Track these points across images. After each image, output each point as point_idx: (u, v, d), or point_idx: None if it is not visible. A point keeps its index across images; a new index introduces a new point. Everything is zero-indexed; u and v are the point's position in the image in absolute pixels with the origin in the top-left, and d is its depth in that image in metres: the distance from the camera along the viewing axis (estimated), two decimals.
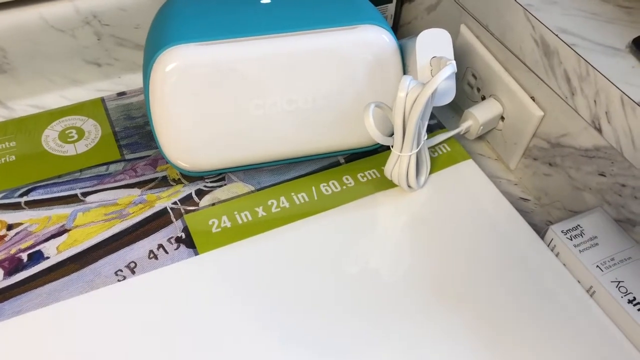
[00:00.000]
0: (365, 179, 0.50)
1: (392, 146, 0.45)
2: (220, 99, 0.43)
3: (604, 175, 0.45)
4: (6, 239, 0.44)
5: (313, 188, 0.49)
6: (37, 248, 0.44)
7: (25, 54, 0.55)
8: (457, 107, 0.60)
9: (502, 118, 0.53)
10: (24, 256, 0.43)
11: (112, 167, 0.49)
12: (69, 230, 0.45)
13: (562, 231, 0.44)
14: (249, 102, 0.44)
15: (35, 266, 0.43)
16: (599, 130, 0.42)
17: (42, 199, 0.47)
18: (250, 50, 0.42)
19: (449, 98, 0.47)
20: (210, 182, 0.49)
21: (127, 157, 0.50)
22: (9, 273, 0.42)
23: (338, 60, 0.44)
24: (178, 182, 0.49)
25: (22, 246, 0.44)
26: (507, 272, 0.44)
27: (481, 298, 0.42)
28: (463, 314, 0.41)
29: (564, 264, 0.44)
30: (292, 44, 0.43)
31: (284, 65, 0.43)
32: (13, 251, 0.43)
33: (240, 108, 0.44)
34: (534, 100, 0.49)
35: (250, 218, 0.46)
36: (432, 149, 0.53)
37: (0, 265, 0.42)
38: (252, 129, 0.45)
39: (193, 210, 0.47)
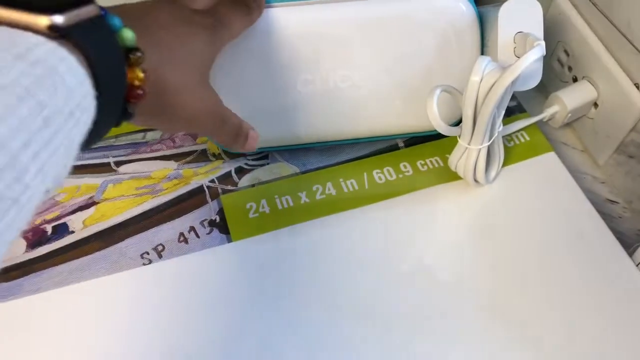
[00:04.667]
0: (425, 167, 0.44)
1: (459, 136, 0.39)
2: (265, 72, 0.39)
3: None
4: None
5: (365, 174, 0.44)
6: (62, 220, 0.41)
7: None
8: (542, 87, 0.52)
9: (595, 104, 0.46)
10: (49, 228, 0.41)
11: (150, 135, 0.46)
12: (97, 203, 0.42)
13: None
14: (297, 76, 0.40)
15: (59, 240, 0.40)
16: None
17: (73, 165, 0.44)
18: (305, 17, 0.38)
19: (533, 82, 0.40)
20: (252, 159, 0.44)
21: None
22: (32, 245, 0.40)
23: (405, 29, 0.40)
24: (218, 157, 0.44)
25: (48, 217, 0.41)
26: (585, 289, 0.38)
27: (551, 317, 0.37)
28: (528, 332, 0.37)
29: None
30: (354, 10, 0.39)
31: (343, 34, 0.39)
32: (38, 222, 0.41)
33: (287, 83, 0.40)
34: (638, 88, 0.41)
35: (291, 204, 0.42)
36: (508, 137, 0.46)
37: (24, 235, 0.40)
38: (299, 106, 0.41)
39: (231, 191, 0.42)
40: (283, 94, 0.40)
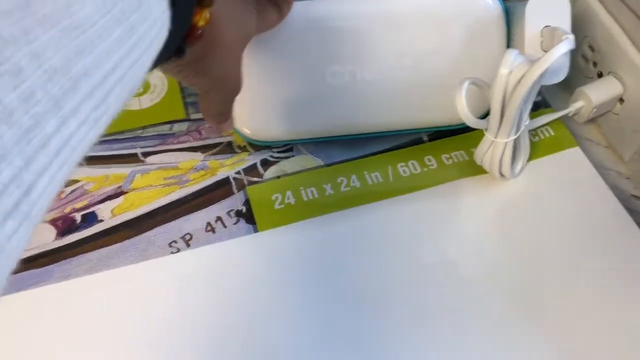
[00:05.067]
0: (450, 161, 0.44)
1: (486, 129, 0.39)
2: (294, 65, 0.39)
3: None
4: (62, 196, 0.42)
5: (389, 168, 0.43)
6: (91, 209, 0.41)
7: None
8: (566, 82, 0.52)
9: (621, 100, 0.45)
10: (78, 217, 0.41)
11: (176, 127, 0.46)
12: (126, 192, 0.42)
13: None
14: (324, 69, 0.39)
15: (88, 229, 0.40)
16: None
17: (101, 156, 0.44)
18: (333, 10, 0.38)
19: (560, 76, 0.40)
20: (278, 152, 0.44)
21: (193, 116, 0.47)
22: (61, 233, 0.40)
23: (433, 23, 0.40)
24: (244, 149, 0.45)
25: (77, 205, 0.42)
26: (610, 285, 0.38)
27: (576, 312, 0.37)
28: (551, 326, 0.36)
29: None
30: (382, 4, 0.39)
31: (370, 28, 0.39)
32: (67, 210, 0.41)
33: (314, 75, 0.40)
34: None
35: (316, 195, 0.42)
36: (532, 131, 0.46)
37: (53, 223, 0.41)
38: (325, 99, 0.41)
39: (256, 182, 0.43)
40: (311, 87, 0.40)
